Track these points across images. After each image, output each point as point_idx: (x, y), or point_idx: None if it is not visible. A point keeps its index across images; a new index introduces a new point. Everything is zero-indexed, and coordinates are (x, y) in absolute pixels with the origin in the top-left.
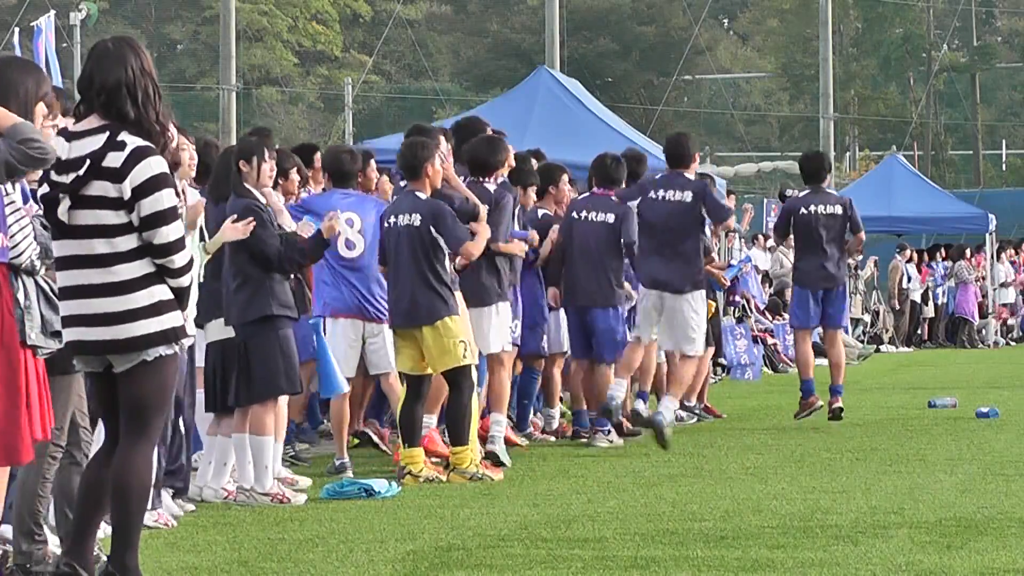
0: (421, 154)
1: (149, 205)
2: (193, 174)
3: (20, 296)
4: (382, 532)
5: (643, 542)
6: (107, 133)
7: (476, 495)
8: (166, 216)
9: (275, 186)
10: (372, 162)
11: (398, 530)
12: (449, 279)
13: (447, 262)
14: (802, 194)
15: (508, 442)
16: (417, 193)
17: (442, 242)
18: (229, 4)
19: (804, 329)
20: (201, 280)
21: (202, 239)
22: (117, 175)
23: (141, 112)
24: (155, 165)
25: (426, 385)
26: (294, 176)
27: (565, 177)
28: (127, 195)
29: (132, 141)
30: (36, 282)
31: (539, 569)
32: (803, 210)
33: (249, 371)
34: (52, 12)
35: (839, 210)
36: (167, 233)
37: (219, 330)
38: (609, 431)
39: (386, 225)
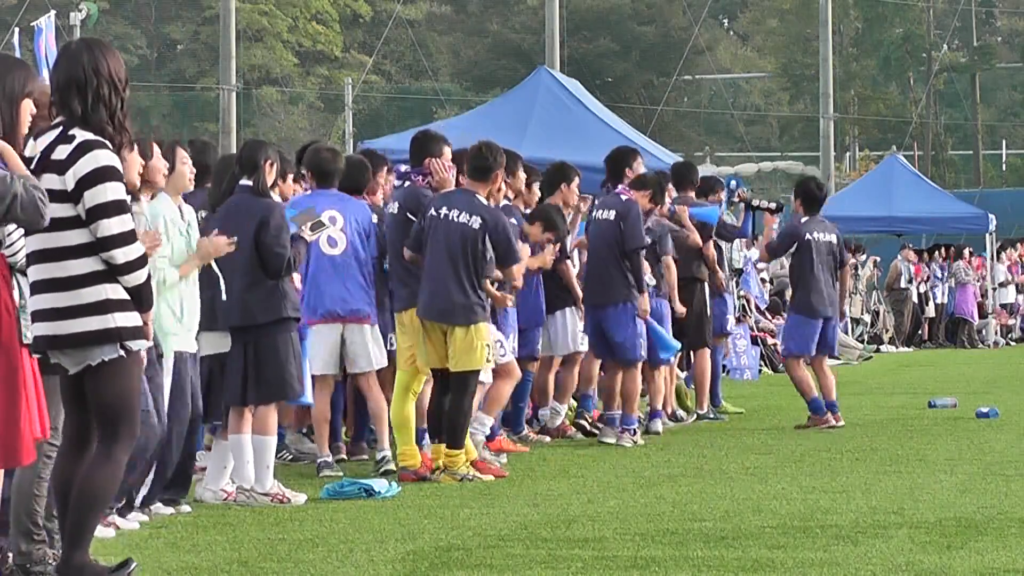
0: (499, 159)
1: (91, 197)
2: (191, 188)
3: (16, 295)
4: (382, 532)
5: (643, 542)
6: (60, 128)
7: (476, 495)
8: (108, 209)
9: (272, 187)
10: (387, 167)
11: (398, 530)
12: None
13: (490, 262)
14: (804, 220)
15: (505, 450)
16: (478, 195)
17: (490, 251)
18: (229, 4)
19: (800, 357)
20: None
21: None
22: (62, 167)
23: (89, 111)
24: (102, 158)
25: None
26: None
27: (577, 179)
28: (71, 186)
29: (82, 135)
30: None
31: (539, 569)
32: (808, 236)
33: (259, 371)
34: (52, 12)
35: (834, 239)
36: (109, 226)
37: (213, 343)
38: (635, 431)
39: (432, 215)
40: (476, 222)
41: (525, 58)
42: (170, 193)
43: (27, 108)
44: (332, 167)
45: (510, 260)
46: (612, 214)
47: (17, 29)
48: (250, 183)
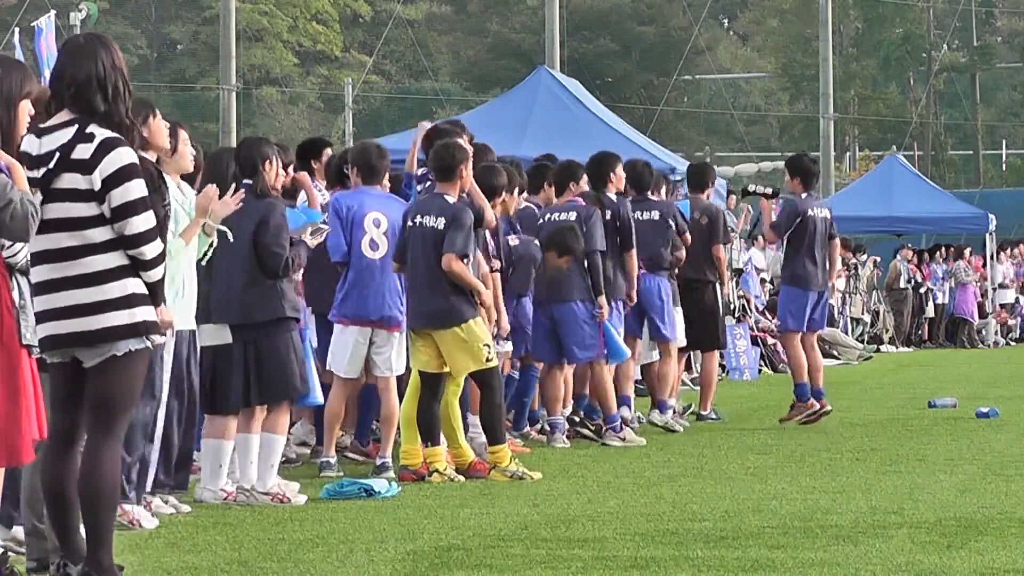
0: (458, 156)
1: (119, 196)
2: (191, 169)
3: (15, 295)
4: (382, 532)
5: (643, 542)
6: (76, 126)
7: (476, 495)
8: (135, 207)
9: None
10: (328, 151)
11: (398, 530)
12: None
13: (471, 264)
14: (804, 196)
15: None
16: (446, 196)
17: (469, 248)
18: (229, 4)
19: (799, 332)
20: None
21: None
22: (86, 166)
23: (111, 106)
24: (124, 156)
25: (442, 384)
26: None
27: (586, 176)
28: (97, 186)
29: (101, 133)
30: (30, 282)
31: (539, 569)
32: (810, 212)
33: (260, 371)
34: (52, 12)
35: (828, 215)
36: (137, 224)
37: (212, 334)
38: (621, 428)
39: (409, 224)
40: (441, 222)
41: (525, 58)
42: (171, 173)
43: (25, 109)
44: (378, 164)
45: (447, 246)
46: (572, 215)
47: (17, 29)
48: (250, 182)
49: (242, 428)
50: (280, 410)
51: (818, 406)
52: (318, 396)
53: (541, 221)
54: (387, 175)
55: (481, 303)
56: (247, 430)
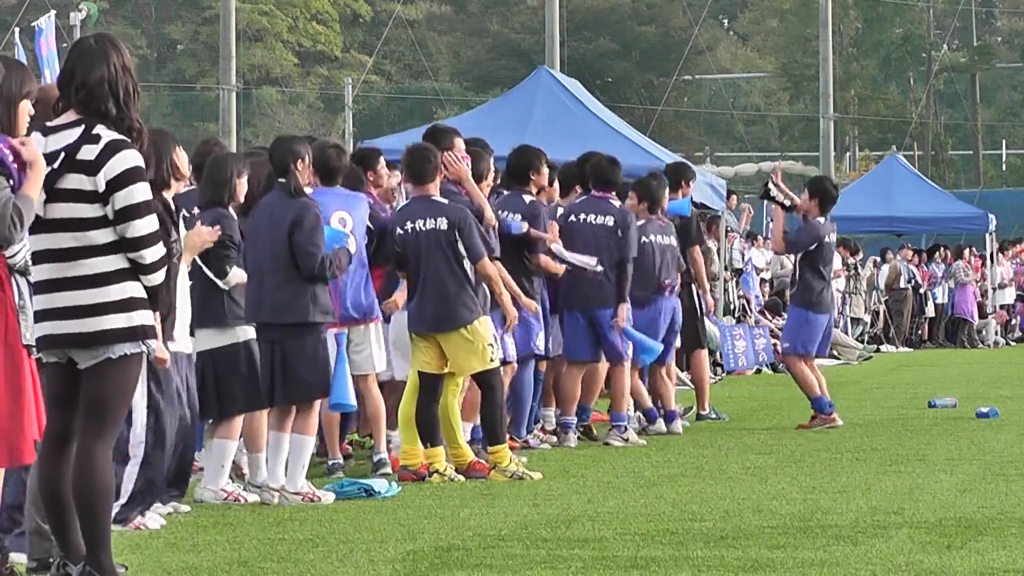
0: (434, 160)
1: (123, 198)
2: (181, 189)
3: (15, 296)
4: (382, 532)
5: (643, 542)
6: (82, 127)
7: (476, 495)
8: (139, 209)
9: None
10: (381, 159)
11: (398, 530)
12: (475, 281)
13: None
14: (824, 221)
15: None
16: (434, 197)
17: (492, 246)
18: (229, 4)
19: (803, 356)
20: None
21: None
22: (91, 168)
23: (123, 109)
24: (130, 158)
25: (441, 384)
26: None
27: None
28: (101, 188)
29: (107, 134)
30: (29, 282)
31: (539, 569)
32: (827, 239)
33: (285, 372)
34: (52, 12)
35: (835, 239)
36: (139, 227)
37: (209, 338)
38: (625, 429)
39: (401, 232)
40: (443, 223)
41: (525, 58)
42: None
43: (25, 109)
44: (337, 164)
45: (474, 255)
46: (610, 220)
47: (17, 29)
48: (283, 181)
49: (274, 427)
50: (309, 411)
51: (840, 422)
52: (352, 400)
53: (573, 220)
54: (385, 175)
55: (502, 304)
56: (280, 429)
